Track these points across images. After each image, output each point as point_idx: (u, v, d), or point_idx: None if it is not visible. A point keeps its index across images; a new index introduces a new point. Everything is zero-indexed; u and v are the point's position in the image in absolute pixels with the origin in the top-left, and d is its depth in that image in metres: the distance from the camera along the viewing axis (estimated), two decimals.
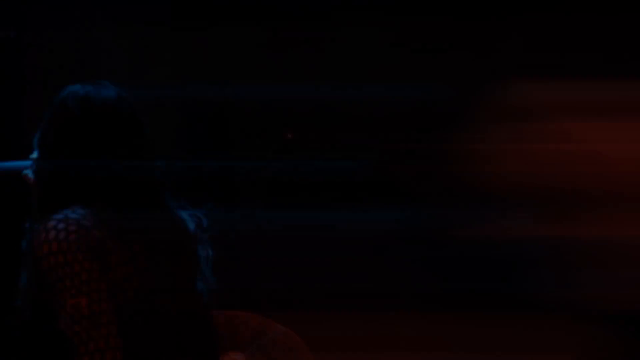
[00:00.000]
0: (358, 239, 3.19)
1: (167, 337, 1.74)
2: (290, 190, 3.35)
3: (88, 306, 1.62)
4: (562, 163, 3.03)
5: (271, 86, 3.39)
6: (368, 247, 3.22)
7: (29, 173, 1.85)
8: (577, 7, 3.12)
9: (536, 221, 3.09)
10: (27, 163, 2.01)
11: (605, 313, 2.95)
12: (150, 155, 1.83)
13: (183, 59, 3.70)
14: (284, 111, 3.50)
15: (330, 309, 3.06)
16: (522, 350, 2.97)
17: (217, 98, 3.54)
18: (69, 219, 1.67)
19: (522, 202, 3.09)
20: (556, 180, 3.02)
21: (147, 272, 1.71)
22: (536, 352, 2.95)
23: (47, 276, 1.64)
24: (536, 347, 2.98)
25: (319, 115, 3.42)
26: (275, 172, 3.42)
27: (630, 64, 3.06)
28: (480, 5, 3.26)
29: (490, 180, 3.04)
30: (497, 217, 3.12)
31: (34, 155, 1.82)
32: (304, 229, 3.18)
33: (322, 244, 3.17)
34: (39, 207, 1.77)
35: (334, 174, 3.30)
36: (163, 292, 1.74)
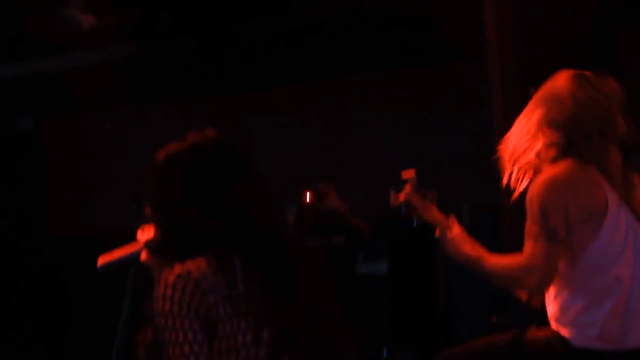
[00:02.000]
0: None
1: None
2: None
3: None
4: None
5: None
6: None
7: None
8: None
9: None
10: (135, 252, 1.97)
11: None
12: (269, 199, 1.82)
13: None
14: None
15: None
16: None
17: None
18: (189, 279, 1.65)
19: None
20: None
21: (254, 349, 1.67)
22: None
23: (159, 328, 1.65)
24: None
25: None
26: None
27: None
28: None
29: None
30: None
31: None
32: None
33: None
34: (162, 253, 1.76)
35: None
36: None
